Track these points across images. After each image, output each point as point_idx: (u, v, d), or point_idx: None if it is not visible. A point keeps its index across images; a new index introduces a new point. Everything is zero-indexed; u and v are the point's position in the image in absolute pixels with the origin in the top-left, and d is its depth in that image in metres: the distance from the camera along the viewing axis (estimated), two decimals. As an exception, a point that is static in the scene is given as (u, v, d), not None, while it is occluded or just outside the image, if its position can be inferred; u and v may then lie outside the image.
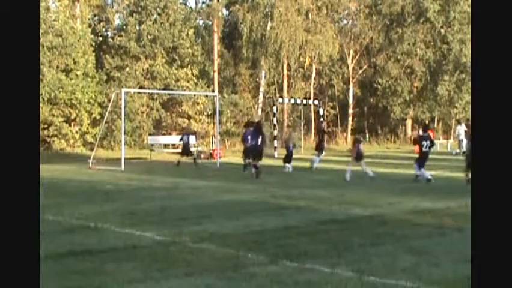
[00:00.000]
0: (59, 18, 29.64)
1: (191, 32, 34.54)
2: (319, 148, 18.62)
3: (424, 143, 14.63)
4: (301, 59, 38.39)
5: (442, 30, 40.50)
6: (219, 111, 25.40)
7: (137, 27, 32.71)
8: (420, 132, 15.61)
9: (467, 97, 39.14)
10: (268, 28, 34.75)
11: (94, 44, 31.54)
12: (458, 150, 29.29)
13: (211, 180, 14.82)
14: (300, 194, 11.37)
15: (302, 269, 5.07)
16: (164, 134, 30.94)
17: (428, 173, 14.25)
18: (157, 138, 28.53)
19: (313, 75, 40.57)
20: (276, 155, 26.45)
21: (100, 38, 33.74)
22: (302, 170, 17.47)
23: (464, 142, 29.52)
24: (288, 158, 18.03)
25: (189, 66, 33.35)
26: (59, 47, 28.51)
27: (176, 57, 33.50)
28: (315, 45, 35.68)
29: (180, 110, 33.27)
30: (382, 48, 41.87)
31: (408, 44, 40.37)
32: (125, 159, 19.55)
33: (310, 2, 35.95)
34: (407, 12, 40.67)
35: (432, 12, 39.65)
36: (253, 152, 16.14)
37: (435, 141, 36.47)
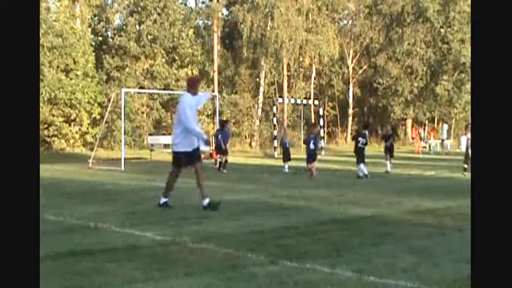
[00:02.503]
0: (59, 19, 29.64)
1: (191, 32, 34.54)
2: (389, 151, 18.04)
3: (360, 139, 15.36)
4: (302, 59, 38.38)
5: (442, 30, 40.50)
6: (219, 111, 25.38)
7: (137, 27, 32.71)
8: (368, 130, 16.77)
9: (467, 97, 39.16)
10: (268, 28, 34.75)
11: (94, 44, 31.54)
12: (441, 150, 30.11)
13: (211, 180, 14.80)
14: (300, 194, 11.37)
15: (302, 269, 5.07)
16: (164, 134, 30.92)
17: (366, 170, 14.84)
18: (157, 138, 28.52)
19: (314, 75, 40.55)
20: (276, 155, 26.46)
21: (100, 38, 33.75)
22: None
23: (463, 141, 29.78)
24: (286, 157, 17.95)
25: (189, 66, 33.34)
26: (59, 47, 28.52)
27: (176, 57, 33.49)
28: (315, 45, 35.68)
29: (180, 110, 33.20)
30: (382, 48, 41.84)
31: (408, 44, 40.34)
32: (125, 159, 19.55)
33: (310, 2, 35.94)
34: (407, 12, 40.65)
35: (432, 12, 39.64)
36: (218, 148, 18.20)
37: (435, 141, 36.70)
